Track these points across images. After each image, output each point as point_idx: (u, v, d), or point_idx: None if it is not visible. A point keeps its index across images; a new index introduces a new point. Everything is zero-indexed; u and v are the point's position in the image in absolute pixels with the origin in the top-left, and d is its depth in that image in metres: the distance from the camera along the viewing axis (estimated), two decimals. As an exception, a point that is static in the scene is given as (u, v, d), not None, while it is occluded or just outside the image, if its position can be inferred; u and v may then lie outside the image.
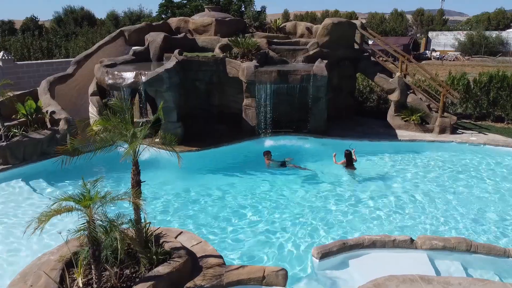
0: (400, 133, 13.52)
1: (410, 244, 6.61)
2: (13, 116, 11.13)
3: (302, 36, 15.78)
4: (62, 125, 10.92)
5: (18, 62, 15.39)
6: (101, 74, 11.57)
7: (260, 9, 27.99)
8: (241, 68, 12.27)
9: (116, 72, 11.21)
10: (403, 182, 10.41)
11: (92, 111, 12.34)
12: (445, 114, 13.70)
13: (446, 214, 8.76)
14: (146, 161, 11.23)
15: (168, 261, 5.69)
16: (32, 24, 63.11)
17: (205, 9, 16.71)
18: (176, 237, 6.74)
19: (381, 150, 12.42)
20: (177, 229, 7.08)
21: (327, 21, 13.60)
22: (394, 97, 13.93)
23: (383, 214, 8.74)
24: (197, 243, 6.59)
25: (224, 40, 13.67)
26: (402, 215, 8.74)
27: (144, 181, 5.97)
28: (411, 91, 14.15)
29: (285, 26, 16.19)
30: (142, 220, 6.63)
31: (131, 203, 5.54)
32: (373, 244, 6.62)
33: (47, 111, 11.26)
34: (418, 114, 13.62)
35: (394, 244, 6.62)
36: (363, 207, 9.10)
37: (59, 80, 12.58)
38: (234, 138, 12.47)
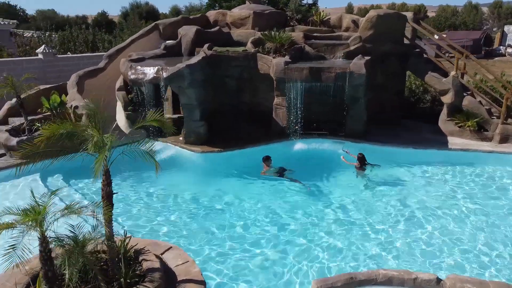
0: (452, 140, 11.86)
1: (435, 285, 5.40)
2: (39, 110, 11.11)
3: (347, 29, 14.44)
4: (84, 120, 10.69)
5: (59, 56, 15.69)
6: (125, 69, 11.23)
7: (312, 2, 26.72)
8: (271, 64, 11.36)
9: (138, 67, 10.80)
10: (441, 201, 8.97)
11: (119, 106, 12.08)
12: (509, 120, 11.82)
13: (491, 248, 7.23)
14: (166, 159, 10.78)
15: (138, 286, 5.01)
16: (102, 19, 66.43)
17: (246, 1, 15.91)
18: (162, 253, 6.08)
19: (425, 160, 10.94)
20: (167, 243, 6.41)
21: (372, 12, 12.24)
22: (447, 99, 12.27)
23: (405, 241, 7.41)
24: (183, 263, 5.86)
25: (258, 34, 12.80)
26: (430, 244, 7.34)
27: (117, 193, 5.32)
28: (468, 92, 12.38)
29: (329, 19, 14.95)
30: (120, 234, 6.02)
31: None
32: (389, 281, 5.49)
33: (71, 106, 11.12)
34: (475, 120, 11.87)
35: (415, 284, 5.45)
36: (381, 229, 7.86)
37: (89, 74, 12.46)
38: (262, 139, 11.60)
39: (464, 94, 12.23)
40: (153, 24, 14.45)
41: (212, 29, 13.80)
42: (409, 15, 13.06)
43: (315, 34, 13.38)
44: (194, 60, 10.81)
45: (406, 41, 13.11)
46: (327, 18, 14.95)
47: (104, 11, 76.98)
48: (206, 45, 12.29)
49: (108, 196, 5.11)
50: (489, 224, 8.03)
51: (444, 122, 12.47)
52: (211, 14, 15.56)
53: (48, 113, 10.98)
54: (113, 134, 5.35)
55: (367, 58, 11.64)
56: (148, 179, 9.81)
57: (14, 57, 16.54)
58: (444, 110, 12.49)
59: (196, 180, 9.94)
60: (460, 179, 10.10)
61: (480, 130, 11.96)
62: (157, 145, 11.43)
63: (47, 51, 15.01)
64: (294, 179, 9.78)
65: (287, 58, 11.48)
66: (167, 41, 13.68)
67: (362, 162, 10.31)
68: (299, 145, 11.48)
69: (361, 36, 12.26)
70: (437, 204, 8.82)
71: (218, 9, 21.28)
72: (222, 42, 13.37)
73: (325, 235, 7.60)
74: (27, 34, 23.02)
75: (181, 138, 11.43)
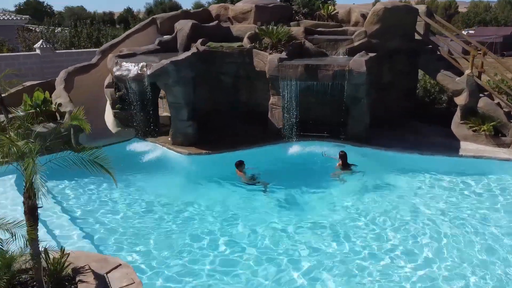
0: (465, 146, 10.77)
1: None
2: (20, 107, 10.70)
3: (356, 24, 13.44)
4: (66, 119, 10.23)
5: (58, 51, 15.39)
6: (112, 65, 10.69)
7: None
8: (266, 61, 10.59)
9: (123, 63, 10.24)
10: (442, 217, 7.91)
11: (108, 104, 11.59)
12: (530, 124, 10.64)
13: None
14: (152, 161, 10.22)
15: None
16: (128, 15, 67.06)
17: (251, -6, 15.13)
18: (108, 272, 5.43)
19: (432, 167, 9.91)
20: (117, 260, 5.75)
21: (378, 5, 11.27)
22: (460, 100, 11.16)
23: (402, 271, 6.40)
24: (127, 285, 5.19)
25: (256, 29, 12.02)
26: (423, 279, 6.28)
27: (41, 207, 4.69)
28: (485, 93, 11.23)
29: (337, 13, 14.01)
30: (55, 248, 5.41)
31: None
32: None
33: (56, 103, 10.68)
34: (492, 123, 10.73)
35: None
36: (378, 250, 6.94)
37: (79, 70, 11.99)
38: (257, 141, 10.87)
39: (480, 95, 11.09)
40: (150, 18, 13.89)
41: (210, 24, 13.11)
42: (421, 8, 11.98)
43: (319, 29, 12.50)
44: (182, 56, 10.16)
45: (418, 37, 12.07)
46: (335, 12, 14.02)
47: (129, 8, 77.84)
48: (199, 40, 11.63)
49: (30, 211, 4.49)
50: (500, 248, 6.98)
51: (457, 125, 11.38)
52: (213, 8, 14.90)
53: (32, 110, 10.55)
54: (39, 143, 4.68)
55: (372, 54, 10.71)
56: (126, 182, 9.25)
57: (17, 52, 16.38)
58: (458, 112, 11.39)
59: (177, 185, 9.28)
60: (468, 191, 9.04)
61: (497, 135, 10.82)
62: (145, 145, 10.96)
63: (44, 46, 14.71)
64: (266, 182, 9.04)
65: (283, 54, 10.68)
66: (164, 36, 13.08)
67: (344, 160, 9.72)
68: (295, 148, 10.67)
69: (367, 31, 11.30)
70: (437, 220, 7.83)
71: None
72: (220, 37, 12.67)
73: (309, 253, 6.82)
74: (38, 29, 22.96)
75: (170, 139, 10.82)
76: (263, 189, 8.86)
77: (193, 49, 10.98)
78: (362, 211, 8.21)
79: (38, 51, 14.66)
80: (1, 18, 23.07)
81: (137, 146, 10.79)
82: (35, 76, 13.98)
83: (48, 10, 70.10)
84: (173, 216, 7.96)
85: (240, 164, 9.03)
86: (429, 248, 6.93)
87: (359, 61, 9.84)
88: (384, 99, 12.05)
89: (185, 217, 7.97)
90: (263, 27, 11.50)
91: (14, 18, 22.61)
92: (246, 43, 11.59)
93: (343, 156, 9.78)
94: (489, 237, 7.24)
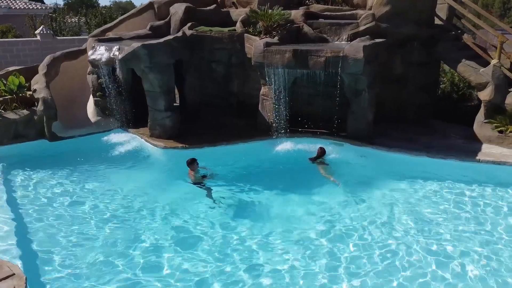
0: (488, 149, 9.09)
1: None
2: (-1, 93, 10.23)
3: (372, 9, 11.97)
4: (39, 106, 9.62)
5: (59, 38, 15.01)
6: (89, 49, 9.94)
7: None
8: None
9: (98, 47, 9.44)
10: (456, 242, 6.42)
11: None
12: None
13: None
14: (125, 153, 9.41)
15: None
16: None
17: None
18: (-6, 283, 4.59)
19: (440, 173, 8.39)
20: (13, 268, 4.91)
21: (389, -17, 9.77)
22: (484, 95, 9.49)
23: None
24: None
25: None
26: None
27: None
28: (516, 88, 9.47)
29: (352, -3, 12.54)
30: None
31: None
32: None
33: (34, 89, 10.09)
34: (521, 124, 9.02)
35: None
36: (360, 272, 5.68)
37: (66, 56, 11.36)
38: (243, 136, 9.78)
39: (509, 89, 9.35)
40: (147, 2, 13.07)
41: (207, 8, 12.08)
42: (443, -12, 10.34)
43: (325, 13, 11.12)
44: (158, 40, 9.23)
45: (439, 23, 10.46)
46: (349, -5, 12.55)
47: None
48: (188, 24, 10.67)
49: None
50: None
51: (480, 125, 9.70)
52: (219, -8, 13.85)
53: (10, 97, 10.03)
54: None
55: (378, 40, 9.28)
56: (90, 173, 8.51)
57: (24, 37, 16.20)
58: (481, 110, 9.72)
59: (144, 180, 8.34)
60: (483, 205, 7.45)
61: (528, 138, 9.08)
62: (124, 136, 10.20)
63: (44, 32, 14.34)
64: (209, 188, 7.88)
65: (275, 39, 9.48)
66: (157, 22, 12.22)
67: (320, 156, 8.88)
68: (283, 146, 9.46)
69: (375, 14, 9.85)
70: (436, 241, 6.41)
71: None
72: (218, 22, 11.61)
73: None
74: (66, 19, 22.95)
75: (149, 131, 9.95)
76: (206, 193, 7.73)
77: (179, 33, 10.03)
78: (341, 224, 6.91)
79: (38, 37, 14.33)
80: (27, 7, 23.34)
81: (114, 137, 10.00)
82: (34, 63, 13.58)
83: (95, 4, 72.02)
84: (126, 215, 7.08)
85: (191, 163, 7.95)
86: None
87: (356, 46, 8.45)
88: (396, 94, 10.56)
89: (137, 217, 7.05)
90: (256, 9, 10.32)
91: (37, 7, 22.81)
92: (238, 27, 10.48)
93: (321, 153, 8.88)
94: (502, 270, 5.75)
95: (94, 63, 9.47)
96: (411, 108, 10.81)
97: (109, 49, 9.18)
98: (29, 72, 10.99)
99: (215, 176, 8.12)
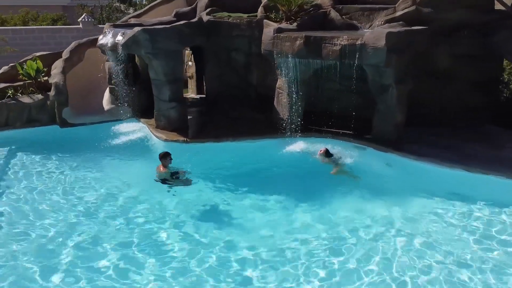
0: (550, 166, 7.22)
1: None
2: (20, 77, 10.31)
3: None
4: (51, 91, 9.53)
5: (100, 25, 15.10)
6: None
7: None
8: (268, 33, 8.43)
9: (108, 32, 9.07)
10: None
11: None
12: None
13: None
14: (128, 143, 9.00)
15: None
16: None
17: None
18: None
19: (478, 191, 6.75)
20: None
21: (434, -41, 8.17)
22: (551, 98, 7.57)
23: None
24: None
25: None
26: None
27: None
28: None
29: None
30: None
31: None
32: None
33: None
34: None
35: None
36: None
37: (93, 42, 11.21)
38: (253, 132, 8.84)
39: None
40: (178, -11, 12.58)
41: (234, -7, 11.26)
42: (509, -35, 8.47)
43: (361, -3, 9.75)
44: (163, 25, 8.62)
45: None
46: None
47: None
48: (207, 10, 9.95)
49: None
50: None
51: (544, 134, 7.79)
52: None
53: (27, 81, 10.09)
54: None
55: (414, 28, 7.79)
56: (84, 162, 8.20)
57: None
58: (547, 116, 7.80)
59: (135, 173, 7.81)
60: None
61: None
62: (133, 126, 9.81)
63: (86, 20, 14.53)
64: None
65: (294, 25, 8.40)
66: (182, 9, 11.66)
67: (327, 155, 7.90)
68: (295, 146, 8.37)
69: (416, -3, 8.33)
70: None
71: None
72: (246, 8, 10.73)
73: None
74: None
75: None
76: (173, 193, 6.92)
77: (194, 19, 9.36)
78: (353, 249, 5.71)
79: (80, 25, 14.57)
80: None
81: (124, 126, 9.64)
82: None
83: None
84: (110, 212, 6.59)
85: (163, 157, 7.14)
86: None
87: (377, 33, 7.07)
88: (439, 93, 8.92)
89: (118, 215, 6.51)
90: (278, -8, 9.27)
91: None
92: (259, 13, 9.53)
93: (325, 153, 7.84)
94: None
95: (102, 48, 9.12)
96: (460, 110, 9.07)
97: (115, 34, 8.76)
98: (56, 58, 11.03)
99: (187, 175, 7.29)
